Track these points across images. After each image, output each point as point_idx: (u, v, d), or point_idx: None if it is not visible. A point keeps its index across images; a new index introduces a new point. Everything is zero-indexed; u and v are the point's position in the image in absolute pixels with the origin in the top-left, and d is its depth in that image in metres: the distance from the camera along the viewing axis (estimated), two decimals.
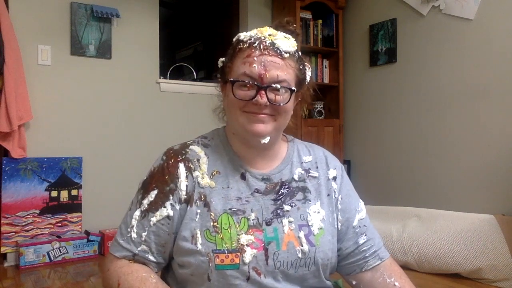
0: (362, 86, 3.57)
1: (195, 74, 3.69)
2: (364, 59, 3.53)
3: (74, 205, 2.75)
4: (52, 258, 2.54)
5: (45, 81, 2.71)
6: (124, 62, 2.99)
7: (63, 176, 2.71)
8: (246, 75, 0.83)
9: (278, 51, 0.84)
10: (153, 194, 0.87)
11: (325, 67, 3.68)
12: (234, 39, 0.90)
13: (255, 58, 0.83)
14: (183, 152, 0.90)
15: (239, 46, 0.86)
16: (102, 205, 2.87)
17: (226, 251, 0.81)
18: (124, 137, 2.99)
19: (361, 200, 1.00)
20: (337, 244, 0.93)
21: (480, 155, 2.72)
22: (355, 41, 3.62)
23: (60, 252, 2.58)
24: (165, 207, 0.85)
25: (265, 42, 0.84)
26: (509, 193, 2.55)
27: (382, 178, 3.36)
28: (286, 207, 0.88)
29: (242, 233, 0.83)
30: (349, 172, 3.61)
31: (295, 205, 0.89)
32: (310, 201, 0.91)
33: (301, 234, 0.86)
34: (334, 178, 0.96)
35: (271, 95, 0.83)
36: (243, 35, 0.87)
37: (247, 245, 0.82)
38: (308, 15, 3.54)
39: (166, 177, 0.87)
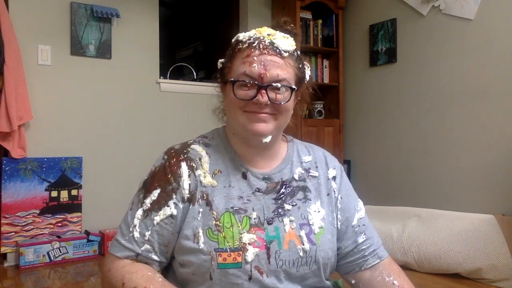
0: (362, 86, 3.57)
1: (195, 74, 3.69)
2: (364, 59, 3.53)
3: (74, 205, 2.75)
4: (52, 258, 2.54)
5: (45, 81, 2.71)
6: (124, 62, 2.99)
7: (63, 176, 2.71)
8: (246, 75, 0.83)
9: (278, 50, 0.84)
10: (155, 193, 0.86)
11: (325, 67, 3.68)
12: (233, 40, 0.90)
13: (255, 58, 0.83)
14: (185, 151, 0.90)
15: (238, 46, 0.86)
16: (102, 205, 2.87)
17: (228, 250, 0.81)
18: (124, 137, 2.99)
19: (360, 200, 1.01)
20: (336, 243, 0.93)
21: (480, 155, 2.72)
22: (355, 41, 3.62)
23: (60, 252, 2.58)
24: (168, 206, 0.84)
25: (265, 41, 0.84)
26: (509, 193, 2.55)
27: (382, 178, 3.36)
28: (287, 206, 0.88)
29: (244, 232, 0.83)
30: (349, 172, 3.61)
31: (296, 204, 0.90)
32: (310, 200, 0.91)
33: (302, 233, 0.86)
34: (334, 178, 0.97)
35: (272, 94, 0.83)
36: (242, 36, 0.87)
37: (249, 243, 0.82)
38: (308, 15, 3.54)
39: (169, 176, 0.87)
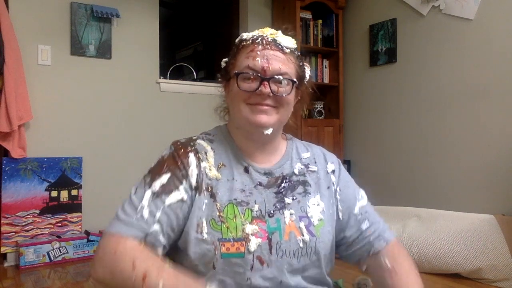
0: (362, 86, 3.57)
1: (195, 74, 3.69)
2: (364, 59, 3.53)
3: (74, 205, 2.75)
4: (52, 258, 2.54)
5: (45, 81, 2.71)
6: (124, 62, 2.99)
7: (63, 176, 2.71)
8: (250, 68, 0.87)
9: (280, 46, 0.89)
10: (165, 178, 0.86)
11: (325, 67, 3.68)
12: (237, 39, 0.94)
13: (258, 52, 0.87)
14: (191, 144, 0.92)
15: (242, 43, 0.90)
16: (102, 205, 2.86)
17: (232, 240, 0.83)
18: (124, 137, 2.99)
19: (361, 189, 1.04)
20: (341, 234, 0.96)
21: (480, 155, 2.72)
22: (355, 41, 3.62)
23: (60, 252, 2.58)
24: (179, 190, 0.85)
25: (267, 38, 0.89)
26: (509, 193, 2.55)
27: (382, 178, 3.36)
28: (287, 200, 0.91)
29: (247, 223, 0.85)
30: (349, 172, 3.59)
31: (296, 198, 0.92)
32: (310, 194, 0.94)
33: (302, 225, 0.89)
34: (333, 172, 1.00)
35: (274, 87, 0.86)
36: (245, 35, 0.92)
37: (252, 234, 0.84)
38: (308, 15, 3.54)
39: (179, 163, 0.88)
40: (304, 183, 0.95)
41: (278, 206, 0.89)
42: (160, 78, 3.17)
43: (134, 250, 0.78)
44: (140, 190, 0.86)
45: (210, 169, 0.89)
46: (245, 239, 0.83)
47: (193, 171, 0.87)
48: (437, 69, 2.97)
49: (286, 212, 0.89)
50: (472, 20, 2.76)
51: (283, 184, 0.93)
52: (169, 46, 4.84)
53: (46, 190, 2.65)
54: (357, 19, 3.59)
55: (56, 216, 2.68)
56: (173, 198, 0.84)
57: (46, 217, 2.65)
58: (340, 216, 0.96)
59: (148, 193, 0.84)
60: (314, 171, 0.98)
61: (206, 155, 0.91)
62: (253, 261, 0.83)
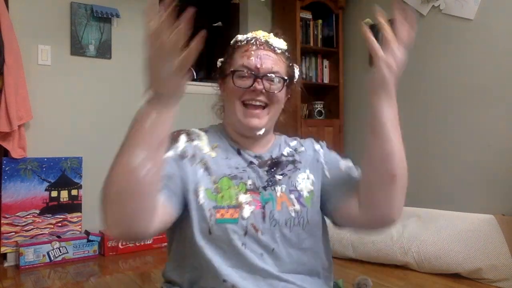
0: (362, 86, 3.56)
1: (195, 74, 3.69)
2: (364, 59, 3.53)
3: (74, 205, 2.75)
4: (52, 258, 2.54)
5: (45, 81, 2.71)
6: (124, 62, 2.99)
7: (63, 176, 2.71)
8: (244, 66, 0.94)
9: (272, 47, 0.97)
10: None
11: (325, 67, 3.68)
12: (232, 41, 1.02)
13: (252, 52, 0.95)
14: (186, 129, 1.01)
15: (237, 44, 0.98)
16: None
17: (226, 207, 0.89)
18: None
19: (349, 159, 1.08)
20: (335, 192, 0.97)
21: (480, 155, 2.72)
22: (355, 41, 3.61)
23: (60, 252, 2.58)
24: (166, 152, 0.87)
25: (261, 39, 0.97)
26: (509, 193, 2.55)
27: None
28: (278, 177, 0.98)
29: (241, 193, 0.91)
30: None
31: (286, 174, 0.99)
32: (299, 169, 1.00)
33: (292, 196, 0.96)
34: (321, 147, 1.08)
35: (266, 84, 0.94)
36: (240, 36, 1.00)
37: (245, 202, 0.90)
38: (308, 15, 3.54)
39: (169, 143, 0.90)
40: (294, 162, 1.02)
41: (270, 183, 0.96)
42: None
43: None
44: None
45: (203, 147, 0.96)
46: (239, 206, 0.89)
47: (180, 143, 0.94)
48: (437, 69, 2.97)
49: (277, 188, 0.96)
50: (472, 20, 2.76)
51: (273, 164, 0.99)
52: None
53: (46, 190, 2.65)
54: (357, 19, 3.59)
55: (56, 216, 2.68)
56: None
57: (46, 217, 2.65)
58: (327, 174, 1.01)
59: None
60: (302, 151, 1.05)
61: (199, 138, 0.99)
62: (246, 227, 0.88)
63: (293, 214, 0.93)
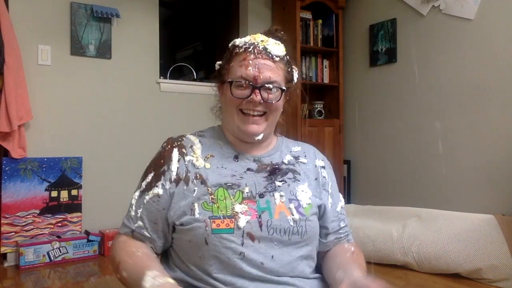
0: (362, 86, 3.57)
1: (195, 74, 3.69)
2: (364, 59, 3.53)
3: (74, 205, 2.75)
4: (52, 258, 2.54)
5: (45, 81, 2.71)
6: (124, 62, 2.99)
7: (63, 176, 2.71)
8: (242, 77, 0.93)
9: (270, 55, 0.95)
10: (150, 176, 0.97)
11: (325, 67, 3.67)
12: (230, 44, 1.00)
13: (250, 62, 0.93)
14: (179, 139, 1.01)
15: (235, 51, 0.96)
16: (102, 205, 2.86)
17: (222, 217, 0.89)
18: (124, 137, 2.99)
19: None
20: (325, 224, 1.02)
21: (480, 155, 2.72)
22: (355, 41, 3.62)
23: (60, 252, 2.58)
24: (157, 186, 0.94)
25: (259, 47, 0.95)
26: (509, 193, 2.55)
27: (382, 178, 3.36)
28: (278, 183, 0.97)
29: (237, 203, 0.91)
30: (349, 172, 3.61)
31: (286, 182, 0.98)
32: (299, 181, 1.00)
33: (292, 206, 0.95)
34: (322, 167, 1.07)
35: (264, 94, 0.93)
36: (238, 41, 0.98)
37: (241, 212, 0.90)
38: (308, 15, 3.54)
39: (162, 161, 0.97)
40: (294, 171, 1.01)
41: (268, 188, 0.95)
42: (160, 78, 3.17)
43: (119, 244, 0.96)
44: (136, 190, 0.99)
45: (197, 160, 0.96)
46: (234, 216, 0.89)
47: (173, 165, 0.95)
48: (437, 69, 2.97)
49: (276, 194, 0.95)
50: (472, 20, 2.76)
51: (272, 170, 0.99)
52: (169, 46, 4.84)
53: (46, 190, 2.65)
54: (357, 19, 3.59)
55: (56, 216, 2.68)
56: (151, 194, 0.95)
57: (46, 217, 2.65)
58: (329, 207, 1.02)
59: (137, 194, 0.98)
60: (304, 163, 1.04)
61: (192, 148, 0.98)
62: (243, 236, 0.88)
63: (291, 223, 0.92)
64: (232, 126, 0.97)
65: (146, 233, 0.94)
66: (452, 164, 2.88)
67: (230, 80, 0.94)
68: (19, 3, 2.61)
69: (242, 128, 0.95)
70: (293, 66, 1.02)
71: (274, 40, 0.98)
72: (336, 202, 1.05)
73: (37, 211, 2.62)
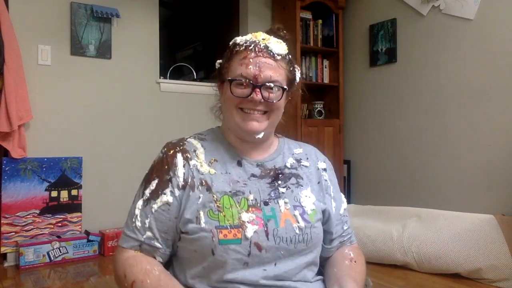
0: (362, 86, 3.57)
1: (195, 74, 3.69)
2: (364, 59, 3.53)
3: (74, 205, 2.75)
4: (52, 258, 2.54)
5: (45, 81, 2.71)
6: (124, 62, 2.99)
7: (63, 176, 2.71)
8: (242, 76, 0.91)
9: (271, 54, 0.92)
10: (154, 184, 0.93)
11: (325, 67, 3.67)
12: (230, 42, 0.97)
13: (251, 60, 0.91)
14: (181, 144, 0.97)
15: (236, 49, 0.94)
16: (102, 205, 2.87)
17: (229, 227, 0.86)
18: (124, 137, 2.99)
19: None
20: (330, 229, 1.02)
21: (480, 155, 2.72)
22: (355, 41, 3.62)
23: (60, 252, 2.58)
24: (165, 194, 0.91)
25: (260, 45, 0.92)
26: (509, 193, 2.55)
27: (382, 178, 3.36)
28: (281, 190, 0.95)
29: (243, 212, 0.89)
30: (349, 172, 3.61)
31: (289, 188, 0.97)
32: (302, 186, 0.99)
33: (296, 213, 0.93)
34: (324, 170, 1.06)
35: (265, 93, 0.91)
36: (239, 39, 0.95)
37: (248, 222, 0.88)
38: (308, 15, 3.54)
39: (166, 167, 0.93)
40: (296, 176, 0.99)
41: (272, 195, 0.94)
42: (160, 78, 3.17)
43: (128, 260, 0.89)
44: (136, 199, 0.95)
45: (201, 165, 0.94)
46: (241, 226, 0.87)
47: (179, 171, 0.92)
48: (437, 69, 2.97)
49: (281, 201, 0.93)
50: (472, 20, 2.76)
51: (276, 175, 0.97)
52: (169, 46, 4.84)
53: (46, 190, 2.65)
54: (357, 19, 3.60)
55: (56, 216, 2.68)
56: (159, 202, 0.90)
57: (46, 217, 2.65)
58: (333, 211, 1.01)
59: (139, 203, 0.93)
60: (306, 166, 1.03)
61: (196, 153, 0.96)
62: (250, 247, 0.86)
63: (297, 231, 0.91)
64: (233, 125, 0.95)
65: (156, 243, 0.90)
66: (452, 164, 2.88)
67: (230, 78, 0.92)
68: (19, 3, 2.62)
69: (242, 125, 0.92)
70: (295, 66, 0.99)
71: (276, 39, 0.95)
72: (339, 205, 1.04)
73: (37, 211, 2.62)
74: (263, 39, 0.93)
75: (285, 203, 0.93)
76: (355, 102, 3.62)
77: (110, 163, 2.93)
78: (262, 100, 0.90)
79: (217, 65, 1.00)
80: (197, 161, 0.94)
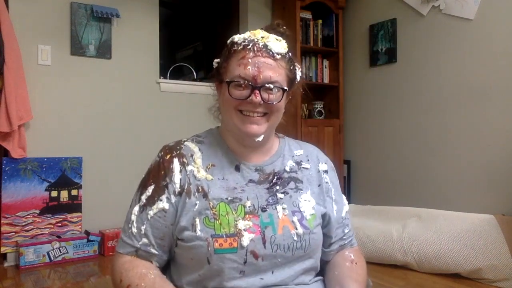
0: (362, 86, 3.57)
1: (195, 74, 3.69)
2: (364, 59, 3.53)
3: (74, 205, 2.75)
4: (52, 258, 2.54)
5: (45, 81, 2.71)
6: (124, 62, 2.99)
7: (63, 176, 2.71)
8: (241, 77, 0.87)
9: (271, 53, 0.88)
10: (150, 189, 0.91)
11: (325, 67, 3.67)
12: (228, 41, 0.94)
13: (249, 60, 0.87)
14: (178, 147, 0.95)
15: (233, 48, 0.90)
16: (102, 205, 2.87)
17: (224, 236, 0.85)
18: (124, 137, 2.99)
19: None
20: (329, 233, 1.00)
21: (480, 155, 2.72)
22: (355, 41, 3.62)
23: (60, 252, 2.58)
24: (161, 200, 0.89)
25: (259, 44, 0.89)
26: (509, 193, 2.55)
27: (382, 178, 3.36)
28: (280, 195, 0.93)
29: (240, 219, 0.87)
30: (349, 172, 3.61)
31: (288, 193, 0.94)
32: (301, 190, 0.96)
33: (295, 219, 0.91)
34: (325, 171, 1.03)
35: (265, 95, 0.88)
36: (237, 38, 0.91)
37: (244, 229, 0.86)
38: (308, 15, 3.54)
39: (162, 172, 0.91)
40: (296, 180, 0.97)
41: (270, 201, 0.91)
42: (160, 78, 3.17)
43: (124, 265, 0.88)
44: (132, 204, 0.93)
45: (198, 171, 0.92)
46: (237, 234, 0.85)
47: (175, 177, 0.90)
48: (437, 69, 2.97)
49: (279, 207, 0.91)
50: (472, 20, 2.76)
51: (274, 180, 0.95)
52: (169, 46, 4.84)
53: (46, 190, 2.65)
54: (357, 19, 3.60)
55: (56, 216, 2.68)
56: (155, 209, 0.89)
57: (46, 217, 2.65)
58: (334, 215, 0.99)
59: (136, 208, 0.91)
60: (307, 168, 1.00)
61: (193, 157, 0.93)
62: (246, 255, 0.85)
63: (295, 238, 0.89)
64: (232, 127, 0.92)
65: (152, 250, 0.89)
66: (452, 164, 2.88)
67: (228, 80, 0.89)
68: (19, 3, 2.62)
69: (242, 128, 0.89)
70: (295, 64, 0.95)
71: (275, 36, 0.91)
72: (340, 208, 1.02)
73: (37, 211, 2.62)
74: (262, 37, 0.90)
75: (283, 208, 0.91)
76: (355, 102, 3.62)
77: (110, 163, 2.93)
78: (262, 102, 0.87)
79: (214, 64, 0.97)
80: (194, 166, 0.92)
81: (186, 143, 0.96)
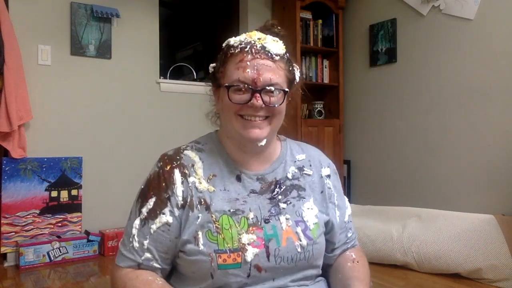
0: (362, 86, 3.56)
1: (195, 74, 3.69)
2: (364, 59, 3.53)
3: (74, 205, 2.75)
4: (52, 258, 2.54)
5: (45, 81, 2.71)
6: (124, 62, 2.99)
7: (63, 176, 2.71)
8: (240, 81, 0.85)
9: (269, 54, 0.86)
10: (151, 202, 0.87)
11: (325, 67, 3.67)
12: (223, 44, 0.91)
13: (248, 63, 0.85)
14: (178, 157, 0.91)
15: (230, 51, 0.88)
16: (102, 205, 2.87)
17: (228, 251, 0.83)
18: (124, 137, 2.99)
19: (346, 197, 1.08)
20: (333, 239, 0.99)
21: (480, 155, 2.72)
22: (355, 41, 3.62)
23: (60, 252, 2.58)
24: (164, 213, 0.86)
25: (256, 46, 0.86)
26: (509, 193, 2.55)
27: (382, 178, 3.36)
28: (282, 205, 0.91)
29: (243, 232, 0.85)
30: (349, 172, 3.61)
31: (290, 202, 0.92)
32: (304, 198, 0.94)
33: (299, 230, 0.89)
34: (328, 176, 1.01)
35: (266, 97, 0.85)
36: (233, 40, 0.89)
37: (248, 244, 0.84)
38: (308, 15, 3.54)
39: (163, 184, 0.88)
40: (298, 187, 0.95)
41: (273, 212, 0.89)
42: (160, 78, 3.17)
43: (127, 275, 0.85)
44: (132, 217, 0.90)
45: (200, 182, 0.89)
46: (241, 249, 0.83)
47: (177, 189, 0.87)
48: (437, 69, 2.97)
49: (282, 218, 0.89)
50: (472, 20, 2.76)
51: (276, 190, 0.93)
52: (169, 46, 4.84)
53: (46, 190, 2.65)
54: (357, 19, 3.59)
55: (56, 216, 2.68)
56: (158, 223, 0.86)
57: (46, 217, 2.65)
58: (337, 221, 0.98)
59: (137, 222, 0.87)
60: (309, 174, 0.98)
61: (194, 168, 0.90)
62: (250, 269, 0.84)
63: (299, 250, 0.87)
64: (233, 132, 0.89)
65: (155, 264, 0.86)
66: (452, 164, 2.88)
67: (227, 84, 0.86)
68: (19, 3, 2.62)
69: (243, 133, 0.86)
70: (294, 64, 0.93)
71: (272, 37, 0.89)
72: (343, 212, 1.01)
73: (37, 211, 2.62)
74: (259, 38, 0.87)
75: (287, 219, 0.89)
76: (355, 102, 3.62)
77: (110, 163, 2.93)
78: (263, 105, 0.85)
79: (210, 69, 0.94)
80: (195, 177, 0.89)
81: (186, 152, 0.93)
